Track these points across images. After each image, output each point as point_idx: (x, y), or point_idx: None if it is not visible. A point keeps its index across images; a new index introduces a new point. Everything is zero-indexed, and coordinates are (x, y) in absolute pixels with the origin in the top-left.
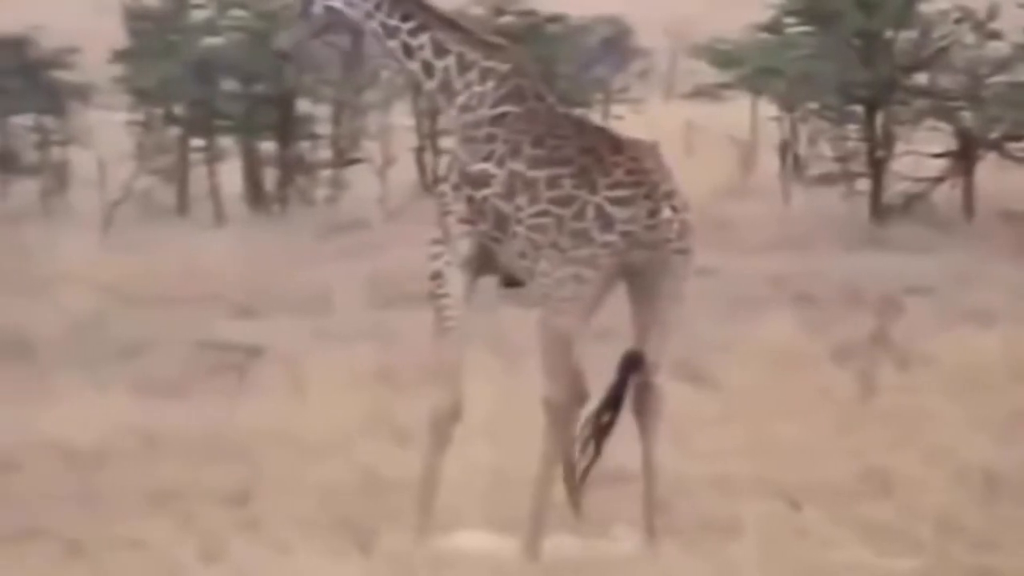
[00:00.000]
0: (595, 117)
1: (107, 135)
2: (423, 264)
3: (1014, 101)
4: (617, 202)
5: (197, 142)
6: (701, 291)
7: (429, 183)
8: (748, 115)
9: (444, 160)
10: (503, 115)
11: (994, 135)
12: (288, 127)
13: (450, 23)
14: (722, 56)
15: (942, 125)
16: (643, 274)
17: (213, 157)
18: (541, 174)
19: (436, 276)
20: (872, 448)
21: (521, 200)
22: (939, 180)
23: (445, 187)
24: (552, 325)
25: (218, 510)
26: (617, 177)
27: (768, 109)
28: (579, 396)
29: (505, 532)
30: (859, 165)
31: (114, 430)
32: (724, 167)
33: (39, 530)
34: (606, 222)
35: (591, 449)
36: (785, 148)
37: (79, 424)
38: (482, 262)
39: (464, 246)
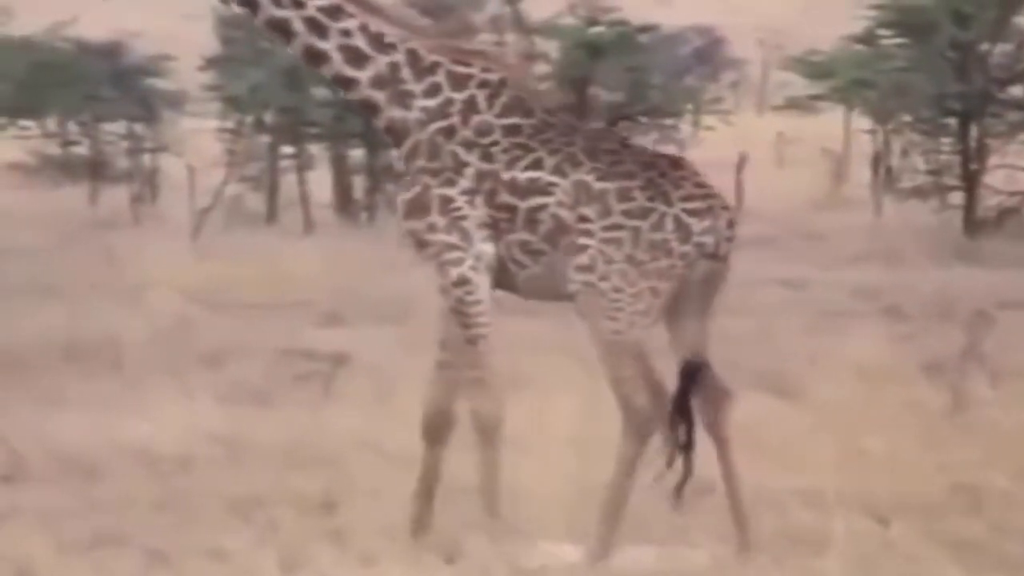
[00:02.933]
0: (685, 128)
1: (198, 142)
2: None
3: None
4: (694, 214)
5: (287, 149)
6: (790, 303)
7: None
8: (840, 127)
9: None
10: (517, 126)
11: None
12: (377, 134)
13: (399, 21)
14: (815, 67)
15: None
16: (701, 284)
17: (302, 164)
18: (611, 186)
19: (463, 282)
20: (962, 464)
21: (588, 211)
22: None
23: (451, 192)
24: (628, 340)
25: (302, 519)
26: (688, 190)
27: (861, 122)
28: (662, 407)
29: (588, 543)
30: (952, 178)
31: (198, 438)
32: (816, 179)
33: (122, 537)
34: (685, 233)
35: (682, 467)
36: (877, 160)
37: (164, 431)
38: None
39: (489, 251)
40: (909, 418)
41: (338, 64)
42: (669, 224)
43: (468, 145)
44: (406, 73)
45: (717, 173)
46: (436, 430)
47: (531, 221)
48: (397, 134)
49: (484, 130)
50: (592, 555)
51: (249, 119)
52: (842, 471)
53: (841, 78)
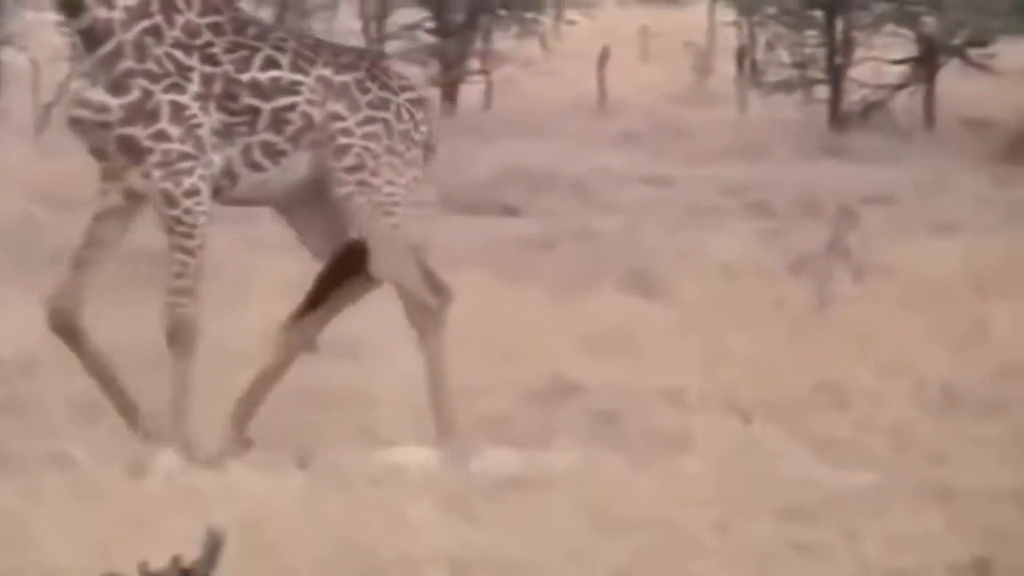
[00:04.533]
0: (548, 22)
1: (41, 36)
2: None
3: (976, 6)
4: (414, 104)
5: None
6: (655, 200)
7: None
8: (705, 20)
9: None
10: (218, 24)
11: (956, 41)
12: None
13: None
14: None
15: (903, 31)
16: None
17: None
18: (348, 79)
19: (194, 192)
20: (827, 361)
21: (339, 107)
22: (899, 87)
23: (182, 98)
24: (406, 233)
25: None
26: (400, 81)
27: (725, 14)
28: (446, 296)
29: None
30: (818, 72)
31: (44, 341)
32: (680, 74)
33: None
34: (415, 123)
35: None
36: (742, 54)
37: (8, 334)
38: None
39: (218, 161)
40: (775, 316)
41: None
42: (405, 114)
43: (185, 48)
44: None
45: (579, 67)
46: (67, 328)
47: (278, 121)
48: (97, 35)
49: (193, 31)
50: (451, 457)
51: None
52: (706, 369)
53: None
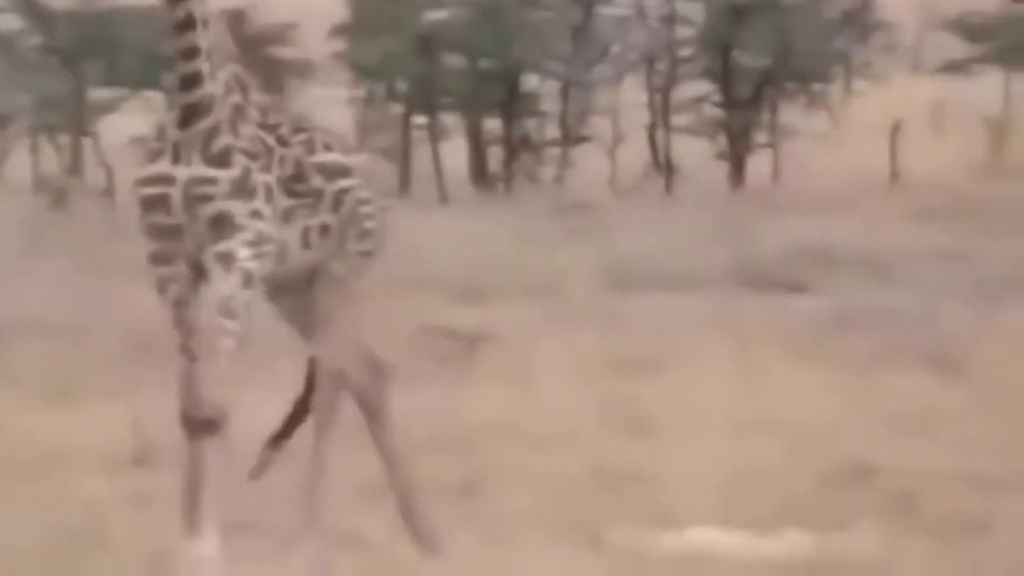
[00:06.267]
0: (836, 92)
1: (328, 113)
2: (655, 247)
3: None
4: None
5: (420, 119)
6: (951, 276)
7: (661, 162)
8: (1000, 91)
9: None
10: (266, 103)
11: None
12: (514, 104)
13: None
14: (973, 29)
15: None
16: None
17: (436, 135)
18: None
19: (253, 280)
20: None
21: (365, 192)
22: None
23: (270, 179)
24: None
25: (442, 503)
26: None
27: (1022, 85)
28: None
29: (742, 529)
30: None
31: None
32: (975, 146)
33: (257, 524)
34: None
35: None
36: None
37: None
38: None
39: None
40: None
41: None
42: None
43: (263, 127)
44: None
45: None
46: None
47: (336, 203)
48: (201, 110)
49: (264, 111)
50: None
51: (380, 88)
52: (1006, 450)
53: (1001, 39)
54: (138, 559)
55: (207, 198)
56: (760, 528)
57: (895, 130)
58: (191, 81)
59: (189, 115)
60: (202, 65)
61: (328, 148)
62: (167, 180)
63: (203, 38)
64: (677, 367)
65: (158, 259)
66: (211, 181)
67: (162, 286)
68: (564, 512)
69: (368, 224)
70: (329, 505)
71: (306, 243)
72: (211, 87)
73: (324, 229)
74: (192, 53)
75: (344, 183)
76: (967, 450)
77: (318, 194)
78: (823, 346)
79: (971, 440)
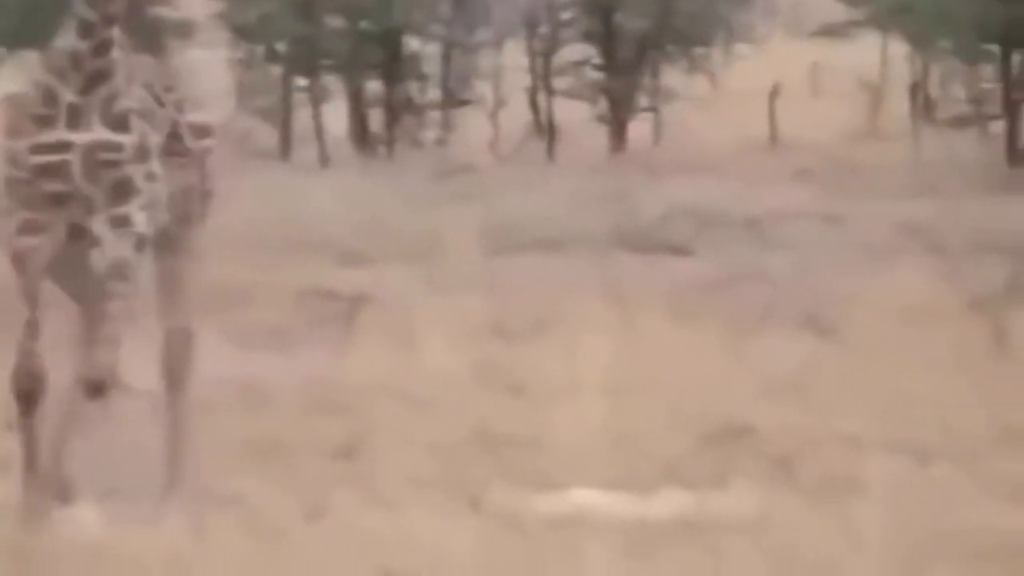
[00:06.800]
0: (716, 55)
1: (208, 74)
2: (536, 210)
3: None
4: None
5: (300, 81)
6: (828, 239)
7: (543, 125)
8: (878, 55)
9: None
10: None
11: None
12: (395, 66)
13: None
14: None
15: None
16: None
17: (317, 97)
18: None
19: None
20: (1010, 403)
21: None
22: None
23: (158, 140)
24: None
25: (323, 464)
26: None
27: (899, 49)
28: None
29: (620, 489)
30: (994, 107)
31: (213, 381)
32: (852, 109)
33: (136, 485)
34: None
35: None
36: (916, 90)
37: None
38: None
39: None
40: (953, 356)
41: None
42: None
43: (146, 88)
44: None
45: (749, 103)
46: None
47: (200, 163)
48: (105, 72)
49: (141, 68)
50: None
51: (259, 49)
52: (883, 412)
53: (879, 3)
54: (7, 525)
55: (112, 164)
56: (639, 489)
57: (774, 93)
58: (105, 47)
59: (94, 80)
60: (116, 31)
61: (196, 107)
62: (64, 147)
63: (119, 4)
64: (557, 329)
65: (29, 229)
66: (116, 146)
67: (25, 257)
68: (445, 474)
69: (211, 185)
70: (200, 466)
71: (173, 204)
72: (116, 52)
73: (188, 190)
74: (111, 19)
75: (208, 143)
76: (843, 412)
77: (189, 154)
78: (702, 308)
79: (847, 402)
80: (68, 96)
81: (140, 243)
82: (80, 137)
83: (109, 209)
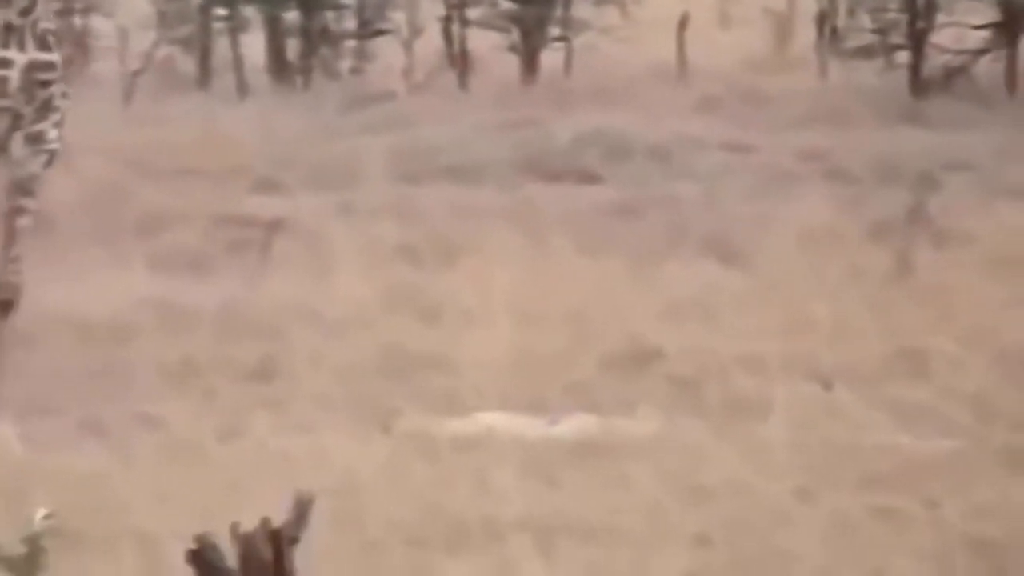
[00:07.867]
0: None
1: (130, 2)
2: (448, 138)
3: None
4: None
5: (219, 11)
6: (733, 167)
7: (456, 54)
8: None
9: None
10: None
11: None
12: None
13: None
14: None
15: None
16: None
17: (236, 26)
18: None
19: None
20: (908, 328)
21: None
22: (981, 53)
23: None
24: None
25: (239, 387)
26: None
27: None
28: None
29: (528, 413)
30: (899, 37)
31: (132, 305)
32: (759, 39)
33: (55, 407)
34: None
35: None
36: (823, 19)
37: (97, 298)
38: None
39: None
40: (854, 282)
41: None
42: None
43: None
44: None
45: (659, 33)
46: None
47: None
48: None
49: None
50: None
51: None
52: (785, 336)
53: None
54: None
55: (47, 83)
56: (545, 411)
57: (682, 23)
58: None
59: (32, 2)
60: None
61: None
62: (5, 63)
63: None
64: (468, 255)
65: None
66: (50, 66)
67: None
68: (357, 396)
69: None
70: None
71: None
72: None
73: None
74: None
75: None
76: (747, 336)
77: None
78: (610, 234)
79: (751, 326)
80: (9, 16)
81: (50, 160)
82: (17, 56)
83: (30, 126)
